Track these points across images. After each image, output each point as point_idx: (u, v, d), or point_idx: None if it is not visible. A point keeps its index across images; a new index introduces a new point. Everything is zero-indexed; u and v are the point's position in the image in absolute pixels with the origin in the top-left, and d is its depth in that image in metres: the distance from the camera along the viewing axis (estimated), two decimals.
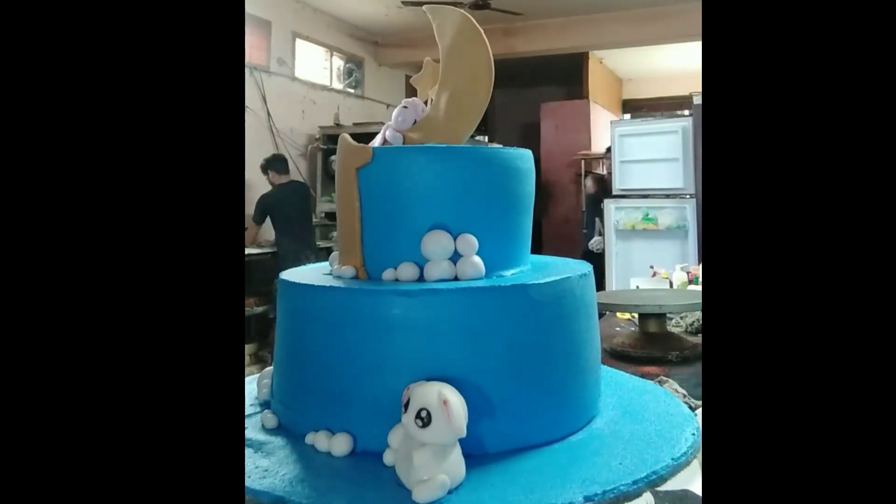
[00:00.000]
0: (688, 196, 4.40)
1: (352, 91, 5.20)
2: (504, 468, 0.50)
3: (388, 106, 5.22)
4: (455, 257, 0.57)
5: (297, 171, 4.54)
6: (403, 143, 0.64)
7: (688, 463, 0.51)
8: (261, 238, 4.04)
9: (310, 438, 0.55)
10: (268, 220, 3.81)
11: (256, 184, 3.43)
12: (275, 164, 3.53)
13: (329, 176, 4.83)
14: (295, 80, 4.53)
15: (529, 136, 6.26)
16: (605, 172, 4.89)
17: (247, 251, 3.57)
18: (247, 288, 3.33)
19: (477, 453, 0.50)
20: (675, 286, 2.28)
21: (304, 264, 0.77)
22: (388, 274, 0.58)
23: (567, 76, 6.37)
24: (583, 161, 5.80)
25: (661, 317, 1.41)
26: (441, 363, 0.52)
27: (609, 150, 4.34)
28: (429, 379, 0.48)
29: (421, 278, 0.57)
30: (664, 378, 1.01)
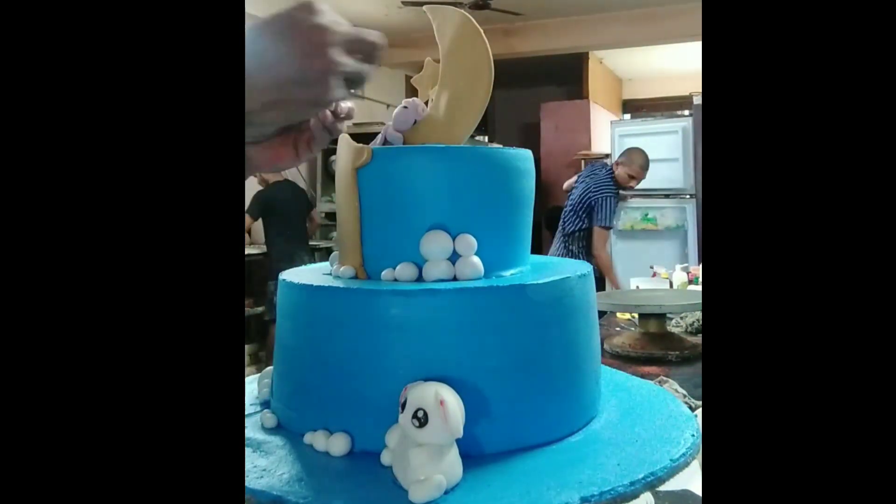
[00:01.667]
0: (688, 196, 4.41)
1: (352, 91, 5.19)
2: (501, 469, 0.50)
3: (388, 106, 5.22)
4: (454, 257, 0.57)
5: (298, 171, 4.54)
6: (403, 143, 0.64)
7: (687, 464, 0.51)
8: (253, 236, 4.00)
9: (308, 438, 0.55)
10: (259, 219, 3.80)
11: (249, 182, 3.46)
12: None
13: (329, 176, 4.82)
14: None
15: (529, 136, 6.26)
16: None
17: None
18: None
19: (474, 454, 0.50)
20: (675, 286, 2.28)
21: (299, 265, 0.76)
22: (386, 274, 0.58)
23: (567, 76, 6.37)
24: (583, 161, 5.80)
25: (661, 317, 1.41)
26: (439, 363, 0.52)
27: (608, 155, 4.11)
28: (427, 379, 0.48)
29: (420, 278, 0.57)
30: (664, 378, 1.01)
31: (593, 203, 3.16)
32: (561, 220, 3.34)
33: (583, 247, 3.23)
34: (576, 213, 3.25)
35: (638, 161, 3.24)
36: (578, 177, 3.46)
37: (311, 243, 3.99)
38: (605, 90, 6.67)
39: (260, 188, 3.72)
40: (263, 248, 3.92)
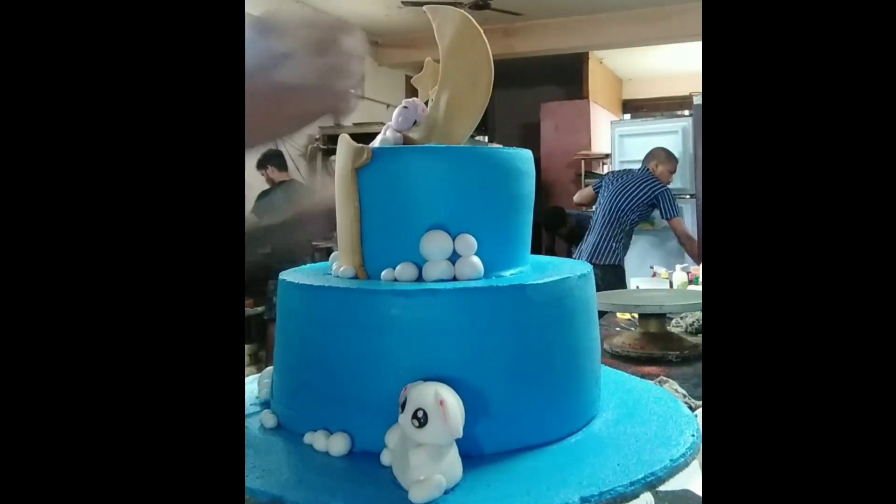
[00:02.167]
0: (688, 196, 4.41)
1: (351, 91, 5.19)
2: (501, 469, 0.50)
3: (388, 106, 5.22)
4: (454, 257, 0.57)
5: (297, 170, 4.54)
6: (403, 143, 0.64)
7: (686, 464, 0.51)
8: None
9: (308, 438, 0.55)
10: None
11: (253, 182, 3.43)
12: (273, 159, 3.49)
13: (329, 176, 4.82)
14: None
15: (529, 136, 6.26)
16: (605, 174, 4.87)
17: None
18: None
19: (474, 454, 0.50)
20: (675, 286, 2.28)
21: (300, 265, 0.76)
22: (386, 274, 0.58)
23: (567, 76, 6.37)
24: (583, 161, 5.79)
25: (661, 317, 1.41)
26: (439, 363, 0.52)
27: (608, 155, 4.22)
28: (426, 379, 0.48)
29: (420, 278, 0.57)
30: (664, 378, 1.01)
31: (658, 197, 3.41)
32: (612, 216, 3.48)
33: (622, 242, 3.41)
34: (633, 209, 3.45)
35: (671, 158, 3.54)
36: (601, 182, 3.61)
37: (312, 243, 3.98)
38: (605, 90, 6.67)
39: (265, 187, 3.70)
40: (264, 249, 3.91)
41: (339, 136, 0.63)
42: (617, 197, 3.49)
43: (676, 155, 3.85)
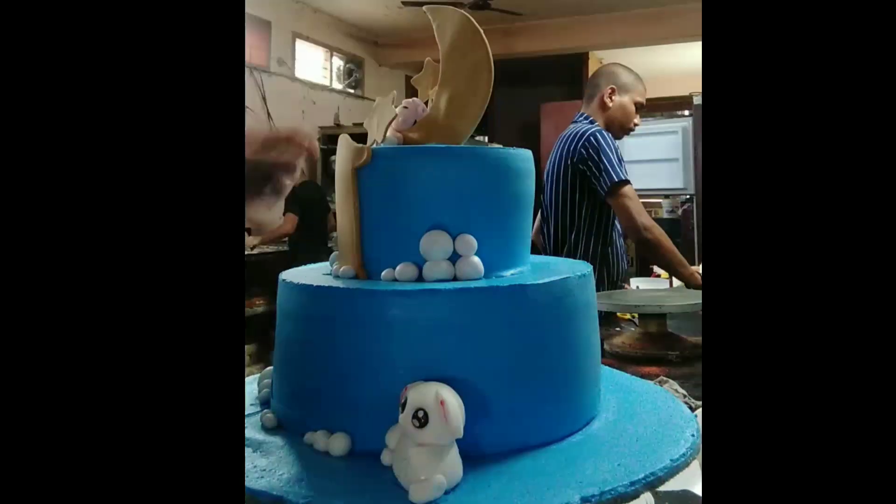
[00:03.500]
0: (688, 196, 4.41)
1: (352, 91, 5.20)
2: (501, 469, 0.50)
3: None
4: (454, 257, 0.57)
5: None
6: (403, 143, 0.64)
7: (687, 464, 0.51)
8: (254, 234, 3.98)
9: (308, 438, 0.55)
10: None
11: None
12: None
13: (329, 176, 4.83)
14: (295, 81, 4.54)
15: (529, 136, 6.25)
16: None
17: (263, 249, 3.57)
18: (258, 286, 3.35)
19: (474, 454, 0.50)
20: (675, 286, 2.28)
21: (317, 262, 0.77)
22: (386, 274, 0.58)
23: (567, 76, 6.37)
24: None
25: (661, 317, 1.40)
26: (439, 363, 0.52)
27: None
28: (427, 379, 0.48)
29: (420, 278, 0.57)
30: (664, 378, 1.01)
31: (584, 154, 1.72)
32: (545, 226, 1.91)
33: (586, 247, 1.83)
34: (555, 202, 1.84)
35: (634, 78, 1.91)
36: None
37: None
38: None
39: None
40: (278, 247, 3.91)
41: (339, 136, 0.63)
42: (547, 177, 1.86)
43: (677, 156, 3.77)
